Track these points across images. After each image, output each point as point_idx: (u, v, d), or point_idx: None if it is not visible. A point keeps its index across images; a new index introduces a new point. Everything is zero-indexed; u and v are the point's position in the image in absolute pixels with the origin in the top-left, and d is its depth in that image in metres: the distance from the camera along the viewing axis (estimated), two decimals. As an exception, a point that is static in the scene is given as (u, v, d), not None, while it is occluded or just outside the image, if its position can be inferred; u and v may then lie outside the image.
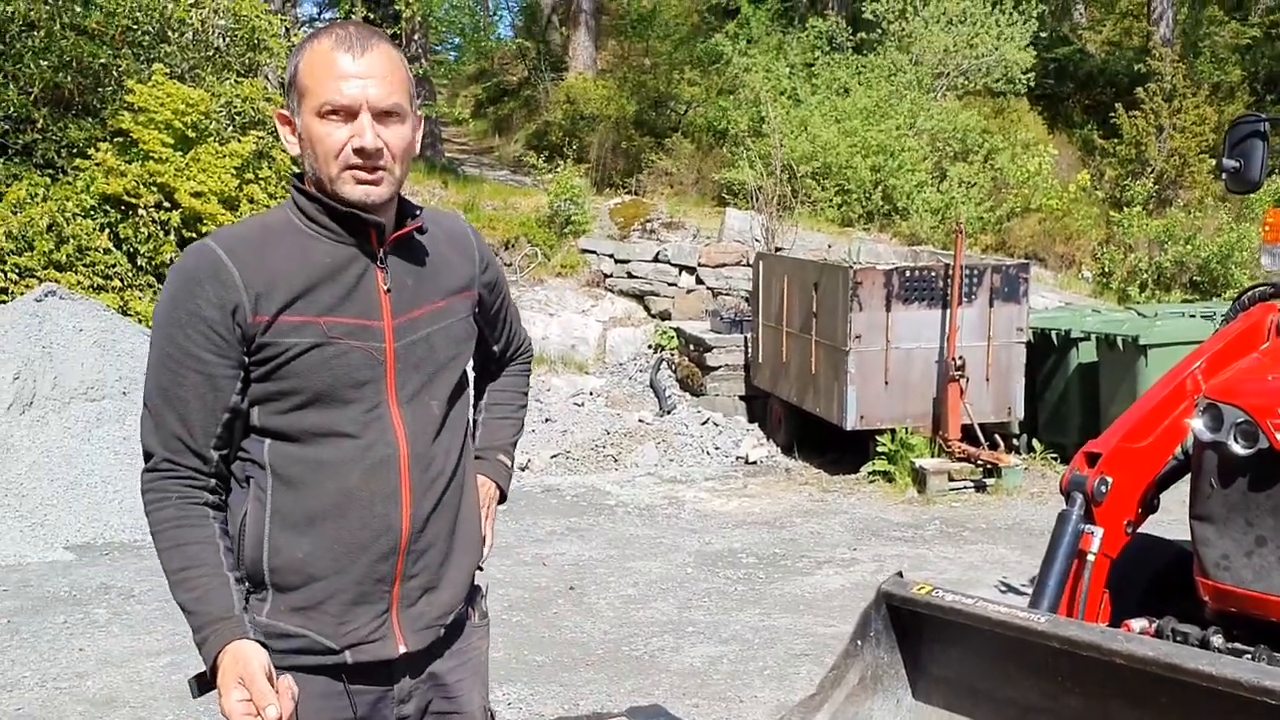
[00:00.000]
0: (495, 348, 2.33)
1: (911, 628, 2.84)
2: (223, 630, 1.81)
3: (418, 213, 2.02)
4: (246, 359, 1.87)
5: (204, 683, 1.86)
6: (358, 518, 1.92)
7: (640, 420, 10.52)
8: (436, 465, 2.00)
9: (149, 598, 6.12)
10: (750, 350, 10.83)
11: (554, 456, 9.76)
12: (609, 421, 10.53)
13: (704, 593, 6.31)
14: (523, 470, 9.24)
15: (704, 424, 10.44)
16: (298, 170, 1.98)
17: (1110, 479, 3.16)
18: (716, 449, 10.05)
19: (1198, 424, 3.14)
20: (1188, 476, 3.40)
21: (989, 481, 8.65)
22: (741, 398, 11.03)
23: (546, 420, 10.48)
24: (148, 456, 1.91)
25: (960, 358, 8.81)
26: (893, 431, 8.95)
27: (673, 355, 11.66)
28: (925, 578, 5.34)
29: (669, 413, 10.68)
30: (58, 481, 7.47)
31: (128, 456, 7.84)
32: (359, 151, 1.85)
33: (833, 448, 9.65)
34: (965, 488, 8.66)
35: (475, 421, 2.34)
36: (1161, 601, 3.42)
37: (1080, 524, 3.15)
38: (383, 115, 1.87)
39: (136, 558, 6.83)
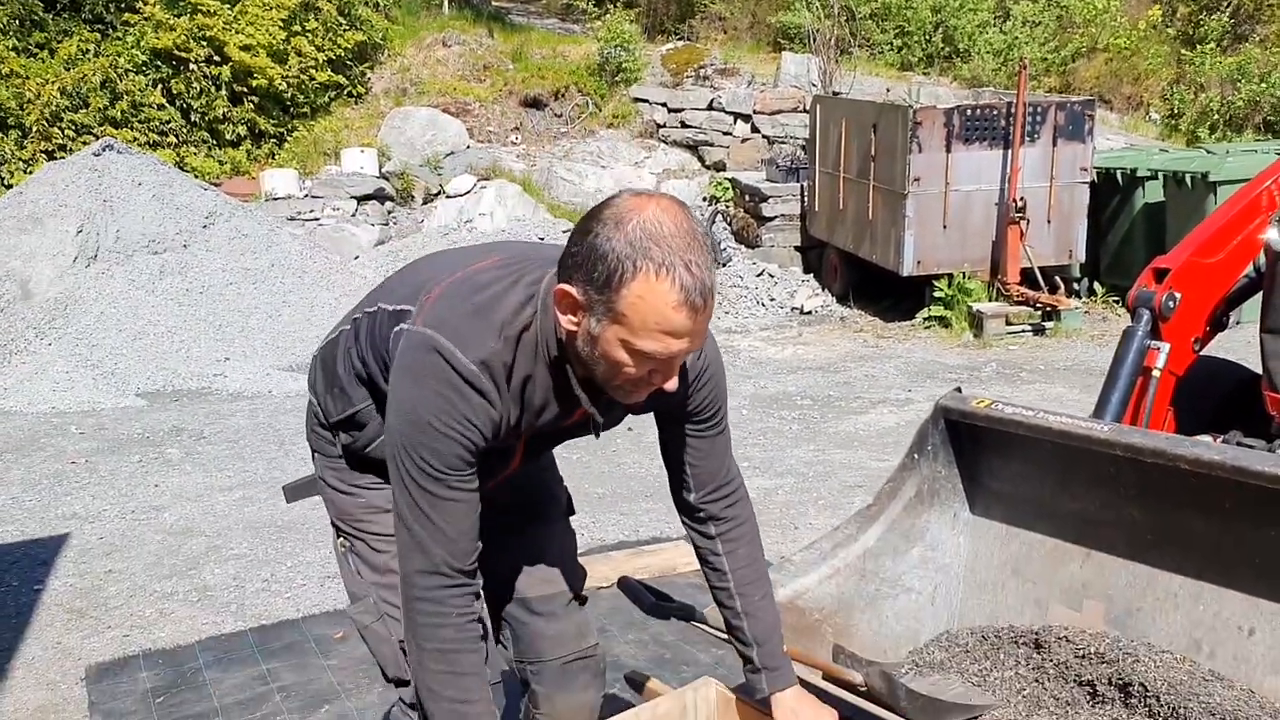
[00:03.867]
0: (692, 479, 2.09)
1: (969, 442, 2.83)
2: None
3: None
4: None
5: (295, 492, 2.21)
6: None
7: (694, 271, 10.45)
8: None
9: (219, 439, 6.30)
10: (806, 199, 10.67)
11: (609, 306, 9.76)
12: (663, 272, 10.49)
13: (759, 431, 6.36)
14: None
15: (759, 275, 10.38)
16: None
17: (1179, 294, 3.09)
18: (772, 300, 10.01)
19: (1273, 234, 3.06)
20: (1258, 295, 3.33)
21: (1048, 325, 8.56)
22: (797, 248, 10.92)
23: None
24: (418, 555, 1.81)
25: (1021, 199, 8.62)
26: (950, 277, 8.84)
27: (728, 207, 11.51)
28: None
29: (724, 265, 10.61)
30: (125, 332, 7.64)
31: (190, 307, 7.99)
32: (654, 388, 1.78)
33: (889, 295, 9.57)
34: (1023, 331, 8.57)
35: (731, 607, 2.13)
36: (1228, 423, 3.38)
37: (1146, 340, 3.10)
38: None
39: (205, 403, 7.02)
